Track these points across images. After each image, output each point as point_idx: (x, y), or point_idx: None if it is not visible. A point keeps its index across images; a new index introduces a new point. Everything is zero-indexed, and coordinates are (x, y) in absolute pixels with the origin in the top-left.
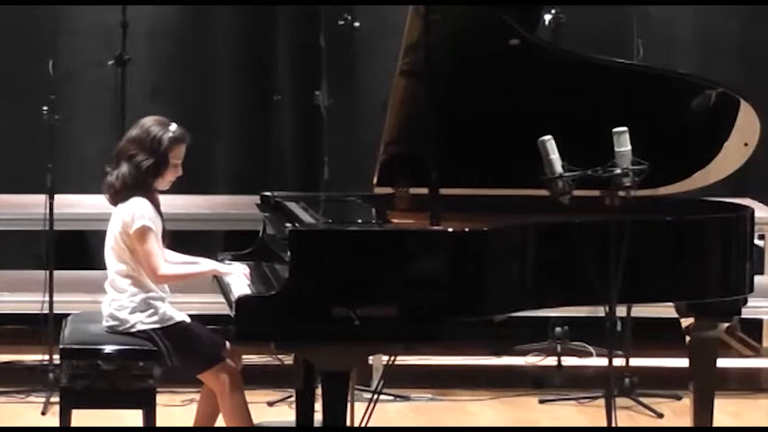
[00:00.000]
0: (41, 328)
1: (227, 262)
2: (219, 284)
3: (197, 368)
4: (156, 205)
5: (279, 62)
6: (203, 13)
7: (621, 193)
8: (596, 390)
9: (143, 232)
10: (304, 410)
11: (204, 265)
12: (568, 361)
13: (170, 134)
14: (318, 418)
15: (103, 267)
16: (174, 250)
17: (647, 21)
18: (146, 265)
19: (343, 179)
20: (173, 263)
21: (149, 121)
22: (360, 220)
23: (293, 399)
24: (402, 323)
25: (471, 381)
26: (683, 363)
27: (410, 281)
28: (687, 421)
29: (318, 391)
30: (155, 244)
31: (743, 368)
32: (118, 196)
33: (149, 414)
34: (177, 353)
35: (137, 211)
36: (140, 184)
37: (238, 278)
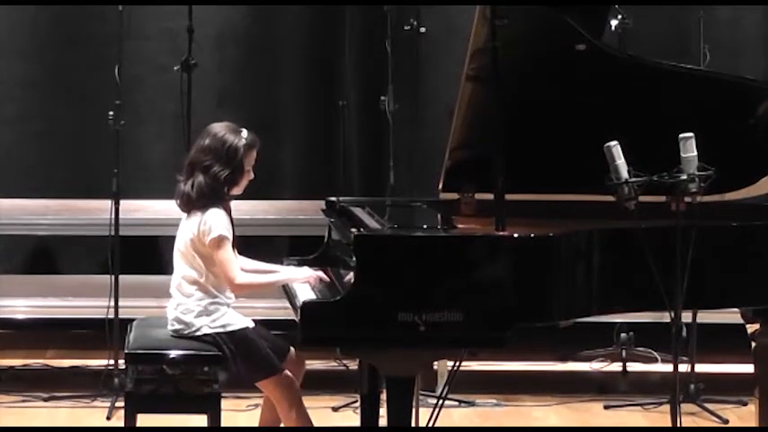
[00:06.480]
0: (107, 332)
1: (293, 267)
2: (285, 290)
3: (255, 376)
4: (229, 214)
5: (345, 67)
6: (269, 19)
7: (687, 199)
8: (661, 395)
9: (220, 242)
10: (369, 416)
11: (280, 275)
12: (634, 367)
13: (244, 141)
14: (383, 423)
15: (168, 272)
16: (242, 255)
17: (714, 25)
18: (223, 274)
19: (409, 184)
20: (248, 271)
21: (221, 129)
22: (425, 226)
23: (358, 404)
24: (467, 329)
25: (536, 386)
26: (748, 368)
27: (475, 286)
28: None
29: (383, 397)
30: (231, 253)
31: None
32: (192, 205)
33: (214, 419)
34: (238, 359)
35: (214, 220)
36: (217, 194)
37: (305, 284)
